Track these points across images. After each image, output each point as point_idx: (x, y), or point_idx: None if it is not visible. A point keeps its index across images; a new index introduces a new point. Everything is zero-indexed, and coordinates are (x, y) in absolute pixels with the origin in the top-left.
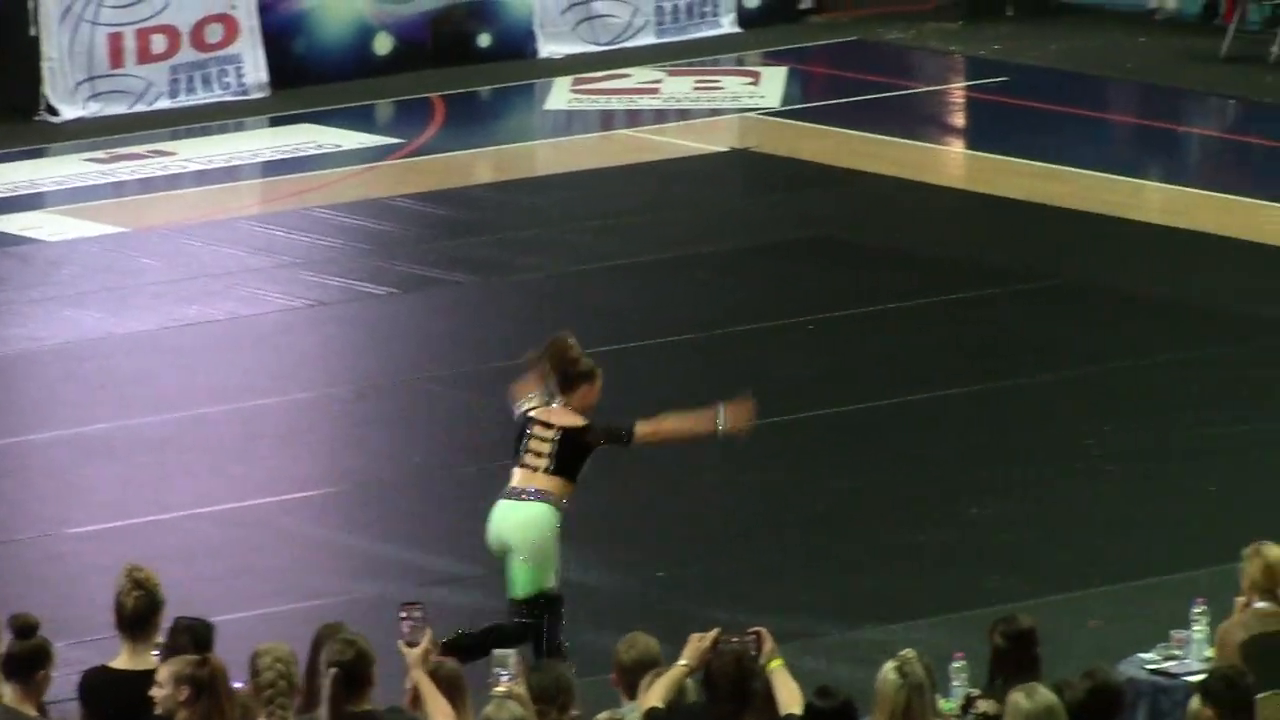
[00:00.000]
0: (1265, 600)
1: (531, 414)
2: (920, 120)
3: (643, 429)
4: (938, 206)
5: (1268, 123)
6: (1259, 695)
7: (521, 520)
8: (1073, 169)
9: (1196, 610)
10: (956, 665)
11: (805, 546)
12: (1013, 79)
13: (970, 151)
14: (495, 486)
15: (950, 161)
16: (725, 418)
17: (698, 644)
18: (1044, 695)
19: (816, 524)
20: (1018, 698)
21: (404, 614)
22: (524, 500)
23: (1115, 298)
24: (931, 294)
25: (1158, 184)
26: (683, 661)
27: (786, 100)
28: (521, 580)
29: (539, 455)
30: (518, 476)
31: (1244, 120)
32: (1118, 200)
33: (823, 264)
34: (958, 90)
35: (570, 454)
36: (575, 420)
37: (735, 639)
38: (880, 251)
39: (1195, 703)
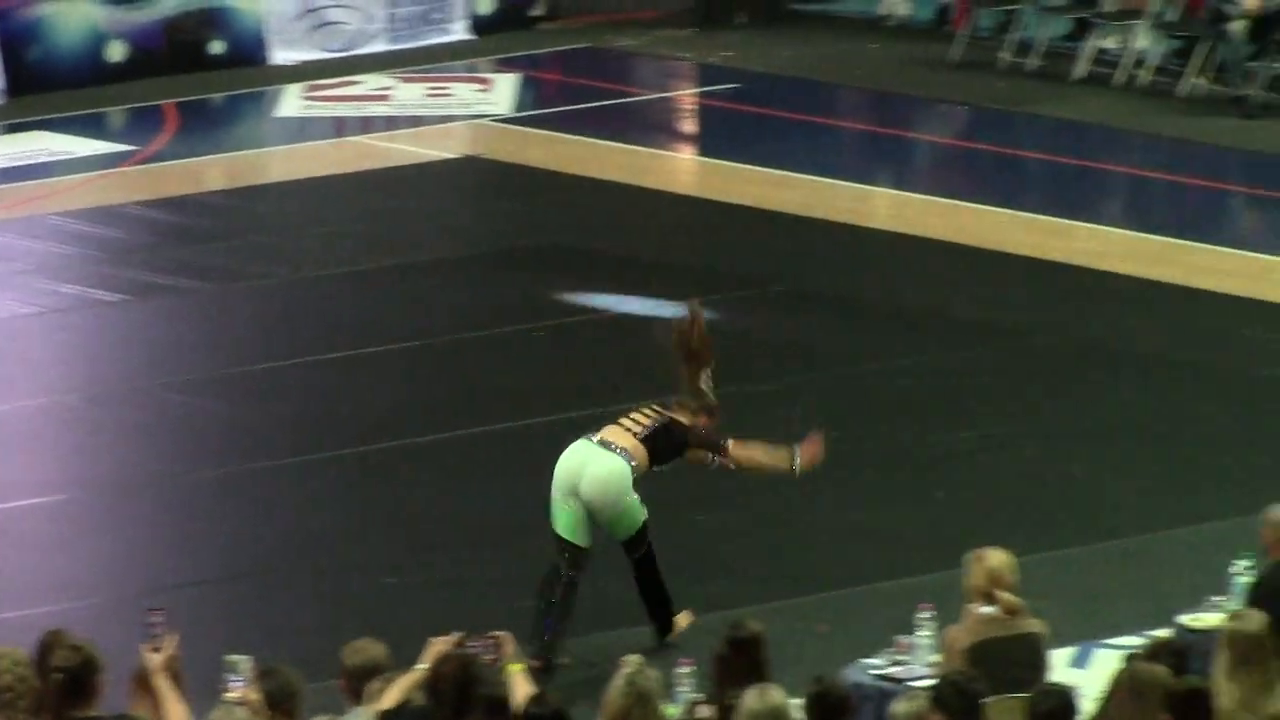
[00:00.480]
0: (988, 605)
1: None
2: (651, 127)
3: (736, 449)
4: (668, 213)
5: (996, 129)
6: (986, 700)
7: (604, 473)
8: (802, 175)
9: (922, 616)
10: (683, 672)
11: (534, 553)
12: (743, 86)
13: (701, 158)
14: (225, 493)
15: (681, 168)
16: (800, 459)
17: (438, 648)
18: (774, 696)
19: (542, 531)
20: (749, 697)
21: (150, 619)
22: (612, 451)
23: (843, 304)
24: (660, 300)
25: (886, 190)
26: (421, 665)
27: (518, 107)
28: (570, 523)
29: (638, 424)
30: (609, 431)
31: (973, 126)
32: (846, 207)
33: (552, 271)
34: (689, 97)
35: (665, 440)
36: (685, 416)
37: (476, 643)
38: (610, 258)
39: (903, 705)
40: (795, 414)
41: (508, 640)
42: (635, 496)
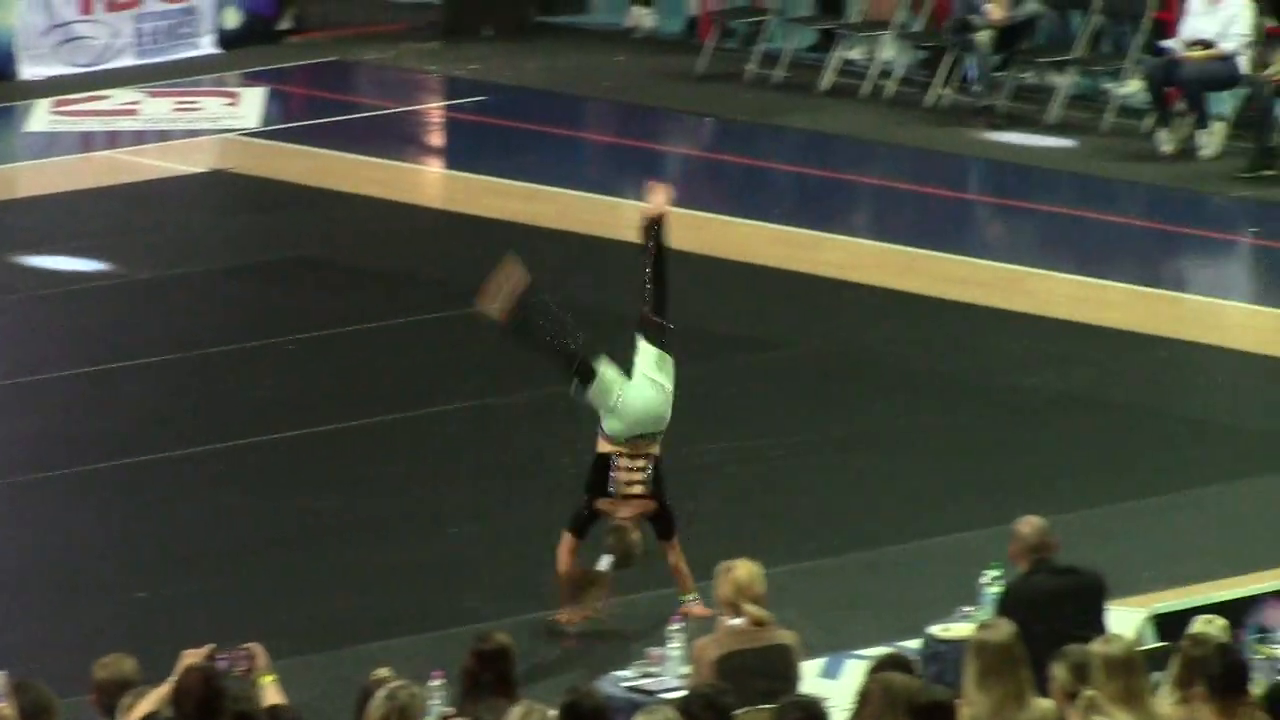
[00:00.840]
0: (737, 617)
1: None
2: (399, 140)
3: None
4: (417, 227)
5: (744, 141)
6: (736, 712)
7: None
8: (551, 188)
9: (672, 628)
10: (435, 684)
11: (284, 567)
12: (491, 98)
13: (450, 171)
14: None
15: (430, 182)
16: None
17: (188, 660)
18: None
19: (294, 545)
20: (515, 714)
21: None
22: None
23: (590, 316)
24: (411, 313)
25: (634, 202)
26: (173, 678)
27: (266, 121)
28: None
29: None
30: None
31: (720, 139)
32: (596, 219)
33: (302, 285)
34: (436, 110)
35: None
36: None
37: (227, 655)
38: (360, 272)
39: (644, 717)
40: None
41: (259, 652)
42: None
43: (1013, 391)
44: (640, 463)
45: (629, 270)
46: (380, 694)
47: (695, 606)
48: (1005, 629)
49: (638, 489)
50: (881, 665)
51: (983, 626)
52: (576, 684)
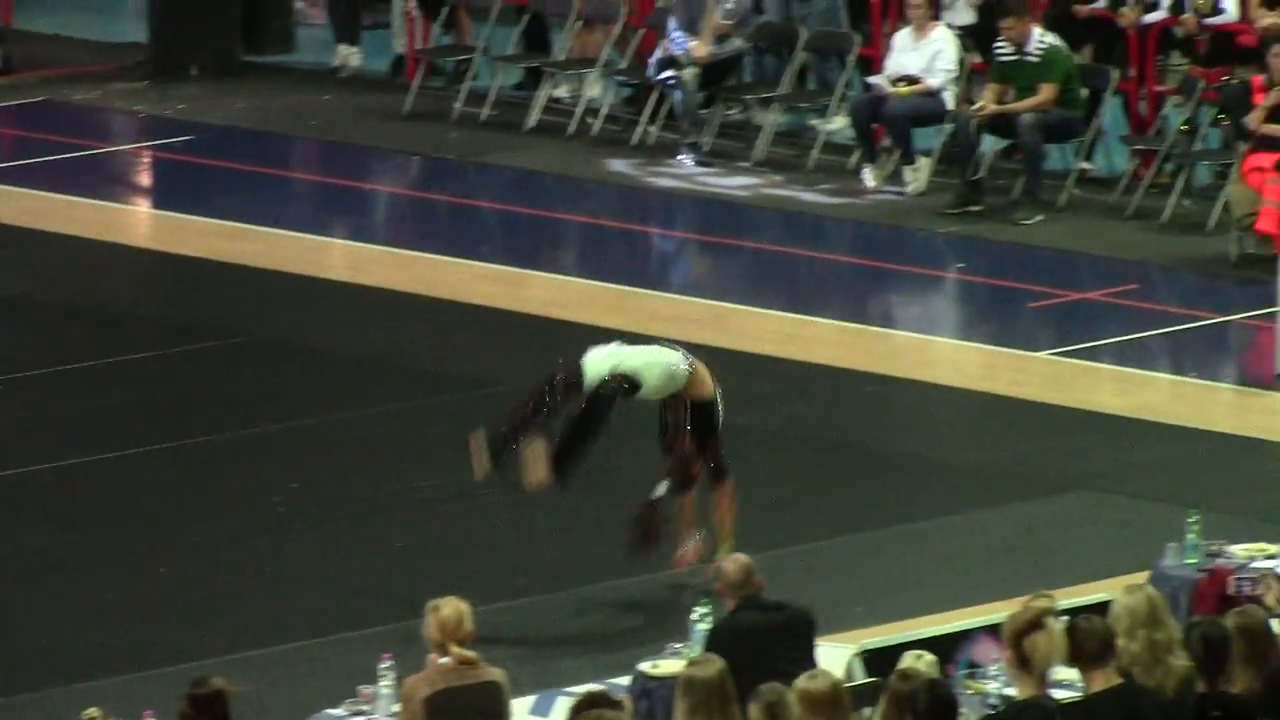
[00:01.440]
0: (445, 655)
1: None
2: (107, 180)
3: None
4: (127, 266)
5: (449, 179)
6: None
7: None
8: (260, 227)
9: (383, 666)
10: None
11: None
12: (198, 138)
13: (158, 211)
14: None
15: (138, 221)
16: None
17: None
18: None
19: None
20: None
21: None
22: None
23: (303, 354)
24: (122, 352)
25: (343, 241)
26: None
27: None
28: None
29: None
30: None
31: (428, 177)
32: (305, 258)
33: (12, 324)
34: (144, 150)
35: None
36: None
37: None
38: (70, 311)
39: None
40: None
41: None
42: None
43: (723, 428)
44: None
45: (336, 309)
46: None
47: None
48: (714, 665)
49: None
50: (585, 703)
51: (692, 663)
52: None
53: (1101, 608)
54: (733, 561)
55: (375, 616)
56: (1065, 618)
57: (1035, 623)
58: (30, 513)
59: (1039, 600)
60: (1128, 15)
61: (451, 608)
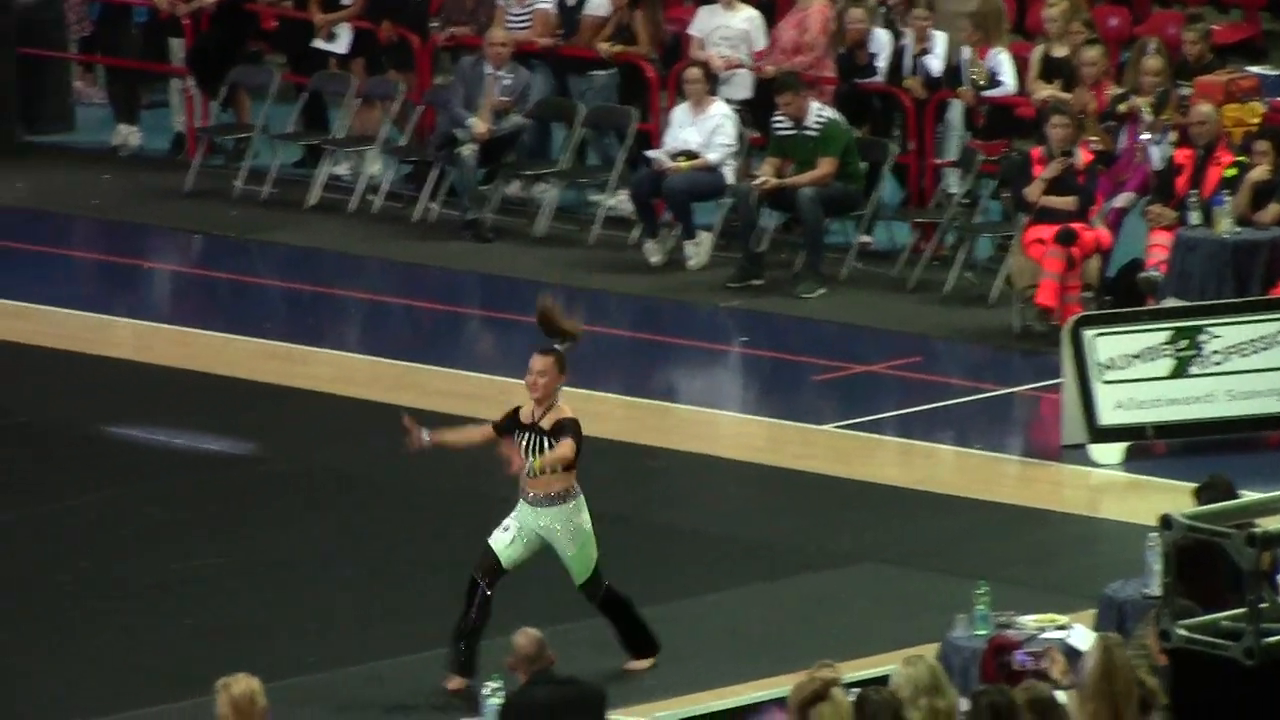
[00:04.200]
0: None
1: None
2: None
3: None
4: None
5: (232, 257)
6: None
7: None
8: (39, 306)
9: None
10: None
11: None
12: None
13: None
14: None
15: None
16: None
17: None
18: None
19: None
20: None
21: None
22: None
23: (80, 435)
24: None
25: (124, 319)
26: None
27: None
28: None
29: None
30: None
31: (209, 255)
32: (87, 336)
33: None
34: None
35: None
36: None
37: None
38: None
39: None
40: None
41: None
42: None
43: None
44: None
45: (117, 387)
46: None
47: None
48: None
49: None
50: None
51: None
52: None
53: (884, 681)
54: (524, 636)
55: (165, 695)
56: (854, 690)
57: (820, 693)
58: None
59: (823, 670)
60: (914, 88)
61: (242, 685)
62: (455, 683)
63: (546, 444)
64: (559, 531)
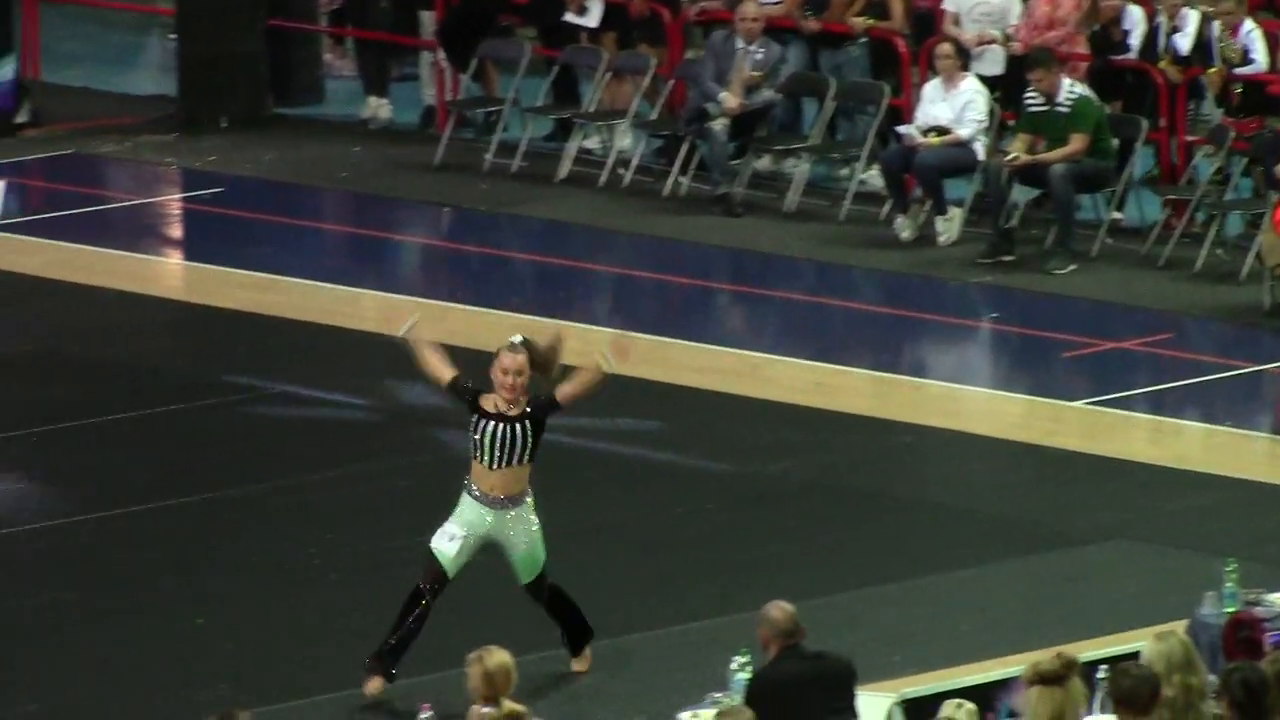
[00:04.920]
0: (489, 706)
1: None
2: (137, 232)
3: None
4: (156, 319)
5: (481, 230)
6: None
7: None
8: (290, 278)
9: (423, 717)
10: None
11: (26, 658)
12: (228, 190)
13: (188, 263)
14: None
15: (168, 273)
16: (612, 356)
17: None
18: None
19: (37, 636)
20: None
21: None
22: None
23: (332, 406)
24: (151, 405)
25: (373, 292)
26: None
27: (3, 214)
28: None
29: None
30: None
31: (458, 228)
32: (335, 309)
33: (42, 378)
34: (174, 202)
35: None
36: None
37: None
38: (98, 364)
39: None
40: None
41: None
42: (454, 512)
43: (754, 478)
44: None
45: (364, 360)
46: None
47: None
48: (744, 716)
49: None
50: None
51: (722, 714)
52: None
53: (1133, 658)
54: (779, 609)
55: (414, 667)
56: (1103, 666)
57: (1059, 674)
58: (61, 568)
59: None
60: (1171, 72)
61: (497, 658)
62: (375, 685)
63: (521, 429)
64: (515, 533)
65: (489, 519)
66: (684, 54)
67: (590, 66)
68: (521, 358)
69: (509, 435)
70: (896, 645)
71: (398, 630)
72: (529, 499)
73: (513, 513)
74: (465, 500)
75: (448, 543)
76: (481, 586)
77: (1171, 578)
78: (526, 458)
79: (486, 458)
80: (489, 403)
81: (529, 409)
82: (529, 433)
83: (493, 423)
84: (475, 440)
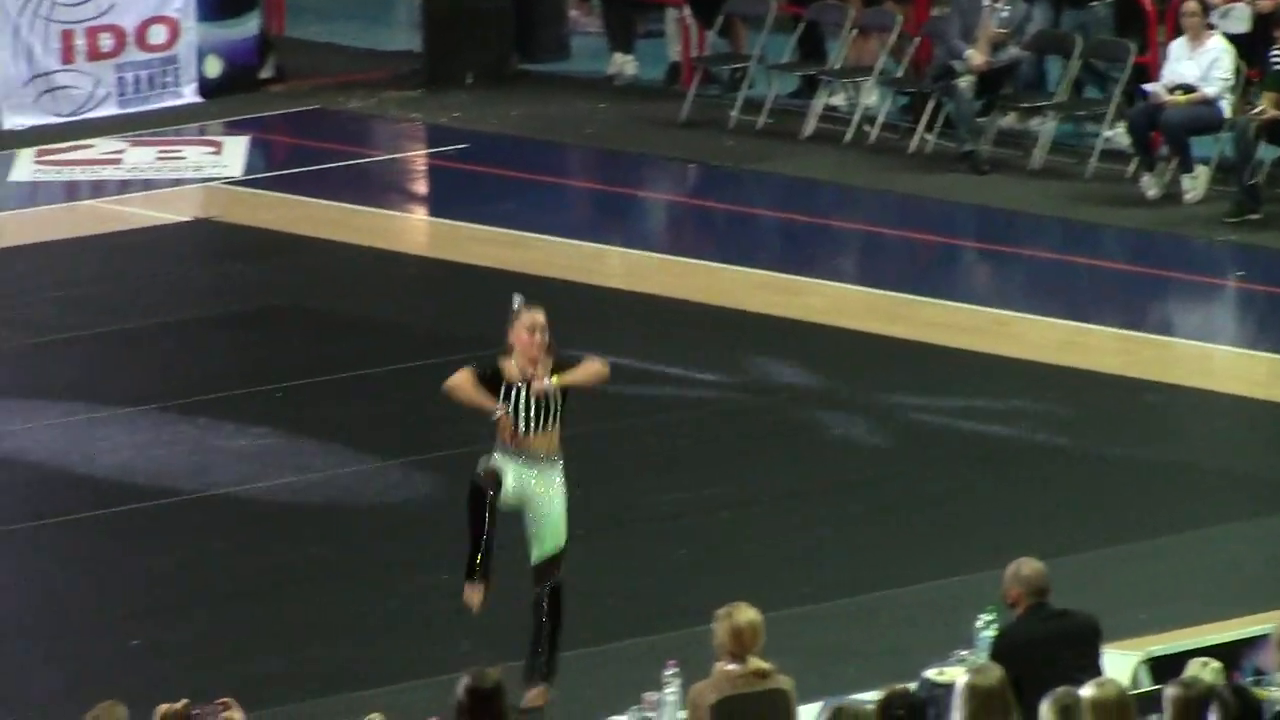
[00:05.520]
0: (736, 663)
1: None
2: (382, 188)
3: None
4: (401, 274)
5: (727, 187)
6: None
7: None
8: (535, 235)
9: (668, 673)
10: None
11: (271, 614)
12: (473, 145)
13: (433, 219)
14: None
15: (413, 229)
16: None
17: (163, 713)
18: None
19: (281, 592)
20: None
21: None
22: None
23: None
24: (396, 361)
25: (619, 249)
26: None
27: (249, 169)
28: None
29: None
30: None
31: (704, 185)
32: (581, 265)
33: (287, 332)
34: (419, 158)
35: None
36: None
37: (203, 708)
38: (344, 319)
39: None
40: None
41: (235, 705)
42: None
43: (1001, 436)
44: None
45: (612, 317)
46: None
47: None
48: (994, 673)
49: None
50: (891, 702)
51: (972, 671)
52: None
53: None
54: (1031, 566)
55: (657, 624)
56: None
57: None
58: (307, 523)
59: None
60: None
61: (746, 615)
62: (476, 596)
63: (551, 396)
64: (553, 493)
65: (532, 478)
66: (930, 11)
67: (836, 23)
68: (541, 313)
69: (542, 399)
70: (1142, 603)
71: (479, 542)
72: (562, 464)
73: (553, 470)
74: (502, 456)
75: (498, 464)
76: (737, 542)
77: None
78: (558, 419)
79: (523, 425)
80: (513, 372)
81: (557, 367)
82: (558, 393)
83: (524, 389)
84: (508, 411)
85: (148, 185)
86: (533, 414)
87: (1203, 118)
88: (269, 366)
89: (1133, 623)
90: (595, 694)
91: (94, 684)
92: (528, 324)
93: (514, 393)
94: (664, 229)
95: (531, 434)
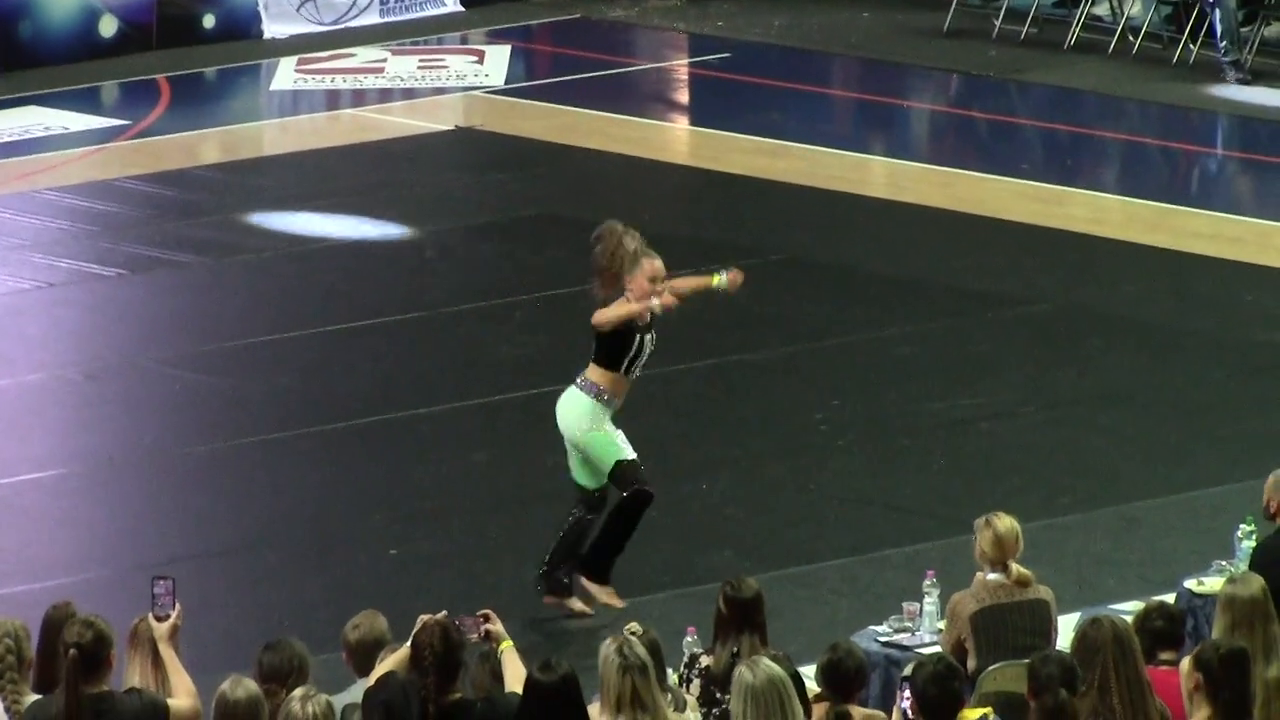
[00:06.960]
0: (996, 572)
1: None
2: (644, 97)
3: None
4: (663, 183)
5: (990, 97)
6: (991, 667)
7: (561, 408)
8: (797, 144)
9: (927, 583)
10: (689, 640)
11: (536, 524)
12: (736, 55)
13: (694, 128)
14: (226, 467)
15: (674, 138)
16: (725, 277)
17: (424, 623)
18: (768, 668)
19: (541, 502)
20: (742, 672)
21: (156, 587)
22: (573, 384)
23: (840, 273)
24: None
25: (882, 159)
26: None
27: (510, 78)
28: (571, 464)
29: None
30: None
31: (966, 95)
32: (842, 175)
33: (548, 241)
34: (681, 67)
35: (600, 343)
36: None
37: (464, 620)
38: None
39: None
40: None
41: (494, 617)
42: (601, 431)
43: (1264, 347)
44: None
45: (873, 227)
46: (611, 651)
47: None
48: (1254, 584)
49: None
50: (1147, 615)
51: (1231, 581)
52: (837, 641)
53: None
54: None
55: (916, 534)
56: None
57: None
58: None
59: None
60: None
61: (1007, 524)
62: (610, 594)
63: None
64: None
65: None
66: None
67: None
68: (660, 260)
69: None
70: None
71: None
72: None
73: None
74: (603, 412)
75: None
76: (997, 452)
77: None
78: None
79: (636, 371)
80: (643, 317)
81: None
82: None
83: (646, 335)
84: (630, 357)
85: (409, 94)
86: (644, 359)
87: None
88: (529, 276)
89: None
90: (856, 603)
91: (354, 593)
92: (649, 273)
93: (640, 339)
94: (926, 139)
95: (633, 379)
